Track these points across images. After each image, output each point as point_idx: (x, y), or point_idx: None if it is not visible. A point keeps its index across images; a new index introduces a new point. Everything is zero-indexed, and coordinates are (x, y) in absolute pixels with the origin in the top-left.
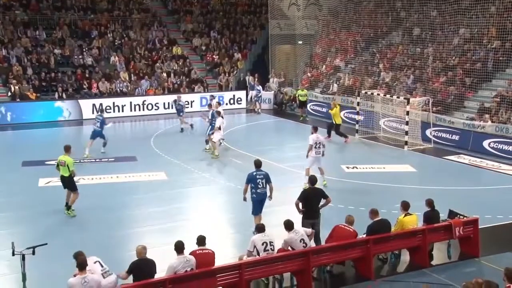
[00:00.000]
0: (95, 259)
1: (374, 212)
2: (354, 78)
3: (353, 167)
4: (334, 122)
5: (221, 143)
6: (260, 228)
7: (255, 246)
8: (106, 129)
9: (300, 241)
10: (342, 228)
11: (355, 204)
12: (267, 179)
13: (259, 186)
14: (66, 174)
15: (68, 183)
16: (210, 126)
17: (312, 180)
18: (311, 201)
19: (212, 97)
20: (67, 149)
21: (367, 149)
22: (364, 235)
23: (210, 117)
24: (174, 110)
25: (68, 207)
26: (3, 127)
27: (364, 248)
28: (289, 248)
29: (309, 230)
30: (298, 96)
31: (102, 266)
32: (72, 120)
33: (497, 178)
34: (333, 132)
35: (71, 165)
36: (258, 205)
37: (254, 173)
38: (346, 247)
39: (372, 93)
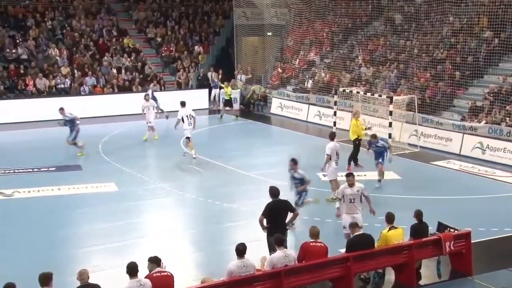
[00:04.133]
0: None
1: (353, 226)
2: (330, 74)
3: None
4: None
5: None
6: (240, 252)
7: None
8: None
9: (285, 266)
10: (311, 245)
11: (333, 217)
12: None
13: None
14: None
15: None
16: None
17: (275, 191)
18: (276, 215)
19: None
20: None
21: (345, 154)
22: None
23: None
24: (126, 111)
25: None
26: None
27: (344, 266)
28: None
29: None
30: (225, 93)
31: None
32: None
33: (492, 186)
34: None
35: None
36: None
37: None
38: (323, 266)
39: (351, 91)
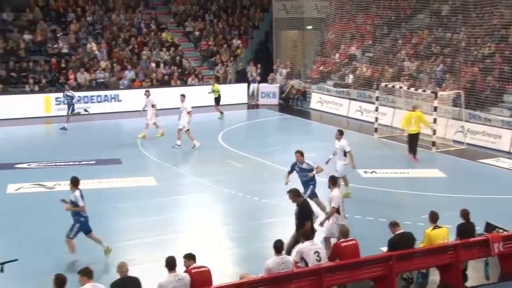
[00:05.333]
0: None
1: (394, 224)
2: (372, 68)
3: (371, 172)
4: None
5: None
6: (277, 248)
7: None
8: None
9: (315, 253)
10: (343, 245)
11: (374, 214)
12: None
13: None
14: None
15: None
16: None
17: (298, 192)
18: (311, 213)
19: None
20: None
21: (387, 150)
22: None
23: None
24: (164, 106)
25: None
26: None
27: (386, 265)
28: (301, 260)
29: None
30: (212, 92)
31: None
32: (45, 117)
33: None
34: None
35: None
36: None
37: None
38: (364, 264)
39: (393, 86)
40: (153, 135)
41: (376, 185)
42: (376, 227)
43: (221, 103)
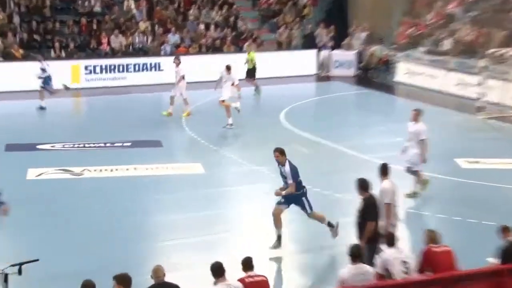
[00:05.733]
0: None
1: (505, 230)
2: (477, 31)
3: (473, 161)
4: None
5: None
6: (354, 255)
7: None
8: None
9: (401, 263)
10: (433, 250)
11: (476, 215)
12: None
13: None
14: None
15: None
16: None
17: (367, 183)
18: (378, 213)
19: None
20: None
21: (495, 135)
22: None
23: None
24: (215, 77)
25: None
26: None
27: (495, 281)
28: (385, 272)
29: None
30: (247, 62)
31: None
32: (72, 88)
33: None
34: None
35: None
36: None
37: None
38: (466, 279)
39: (504, 54)
40: (196, 112)
41: (479, 179)
42: (481, 232)
43: (270, 77)
